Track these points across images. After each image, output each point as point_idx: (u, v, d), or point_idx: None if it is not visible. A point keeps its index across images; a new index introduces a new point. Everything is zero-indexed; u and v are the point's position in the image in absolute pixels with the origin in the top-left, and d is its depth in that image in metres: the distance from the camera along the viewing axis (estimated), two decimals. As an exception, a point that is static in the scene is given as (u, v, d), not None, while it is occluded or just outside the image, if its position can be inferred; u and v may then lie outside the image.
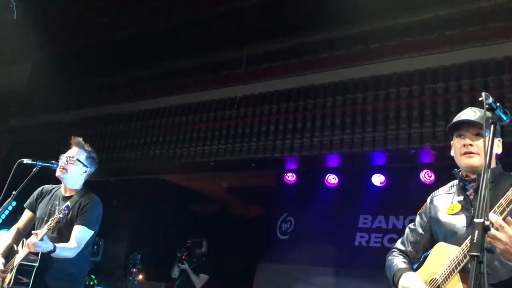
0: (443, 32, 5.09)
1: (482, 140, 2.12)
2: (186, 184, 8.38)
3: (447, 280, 1.96)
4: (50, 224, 2.93)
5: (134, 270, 6.49)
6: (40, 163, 3.33)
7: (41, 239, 2.92)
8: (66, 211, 2.95)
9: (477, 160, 2.13)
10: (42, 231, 2.95)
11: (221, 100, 6.55)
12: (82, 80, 8.00)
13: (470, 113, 2.19)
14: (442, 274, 2.00)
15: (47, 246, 2.97)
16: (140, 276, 7.22)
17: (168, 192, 8.05)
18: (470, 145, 2.14)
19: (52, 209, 3.42)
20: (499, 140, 2.21)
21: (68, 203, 3.08)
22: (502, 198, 1.80)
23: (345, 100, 5.54)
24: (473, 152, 2.14)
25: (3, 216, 3.08)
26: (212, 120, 6.49)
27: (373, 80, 5.44)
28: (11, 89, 8.62)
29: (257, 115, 6.15)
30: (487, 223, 1.52)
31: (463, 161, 2.18)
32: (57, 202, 3.45)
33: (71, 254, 3.18)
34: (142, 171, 7.46)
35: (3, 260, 3.31)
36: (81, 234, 3.22)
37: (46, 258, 3.14)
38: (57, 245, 3.06)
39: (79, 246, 3.20)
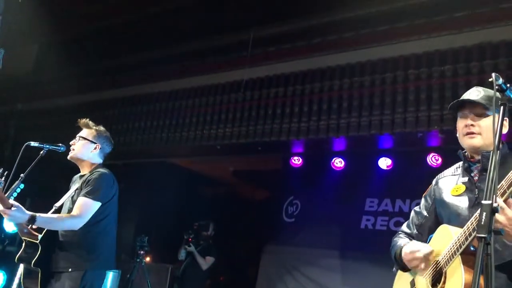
0: (452, 13, 5.01)
1: (484, 119, 2.10)
2: (192, 167, 8.42)
3: (449, 262, 1.96)
4: None
5: (142, 252, 6.54)
6: (47, 146, 3.33)
7: (8, 207, 2.79)
8: None
9: (479, 141, 2.10)
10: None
11: (227, 83, 6.53)
12: (89, 63, 7.99)
13: (474, 93, 2.16)
14: (444, 256, 2.00)
15: (22, 215, 2.85)
16: (148, 258, 7.30)
17: (175, 175, 8.08)
18: (472, 125, 2.11)
19: (71, 188, 3.43)
20: (505, 120, 2.13)
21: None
22: (504, 180, 1.78)
23: (352, 83, 5.50)
24: (475, 133, 2.10)
25: (12, 198, 3.09)
26: (218, 104, 6.48)
27: (381, 62, 5.38)
28: (18, 73, 8.61)
29: (263, 98, 6.12)
30: (495, 205, 1.51)
31: (465, 142, 2.15)
32: (75, 182, 3.45)
33: (72, 224, 3.07)
34: (149, 155, 7.49)
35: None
36: (82, 204, 3.10)
37: (51, 232, 3.08)
38: (43, 215, 2.97)
39: (81, 216, 3.08)
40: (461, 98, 2.20)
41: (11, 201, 2.87)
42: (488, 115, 2.09)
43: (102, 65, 7.97)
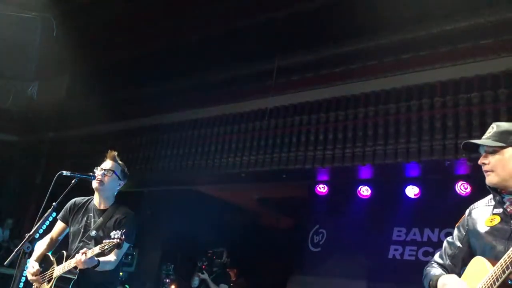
0: (477, 41, 4.99)
1: (496, 155, 2.12)
2: (217, 195, 8.44)
3: (484, 296, 1.91)
4: (104, 246, 3.00)
5: (167, 280, 6.55)
6: (79, 175, 3.37)
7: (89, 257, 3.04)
8: (123, 237, 2.99)
9: (493, 177, 2.13)
10: (94, 250, 3.04)
11: (252, 112, 6.60)
12: (118, 92, 8.21)
13: (488, 130, 2.21)
14: (480, 289, 1.95)
15: (93, 262, 3.08)
16: (173, 287, 7.29)
17: (200, 203, 8.12)
18: (484, 163, 2.16)
19: (88, 221, 3.48)
20: None
21: (124, 230, 3.13)
22: None
23: (377, 111, 5.48)
24: (488, 170, 2.15)
25: (44, 227, 3.16)
26: (243, 131, 6.54)
27: (406, 90, 5.37)
28: (50, 102, 8.93)
29: (288, 126, 6.15)
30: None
31: (486, 178, 2.19)
32: (91, 215, 3.50)
33: (111, 266, 3.28)
34: (175, 182, 7.56)
35: (38, 266, 3.40)
36: (120, 249, 3.27)
37: (84, 270, 3.18)
38: (101, 259, 3.14)
39: (118, 259, 3.30)
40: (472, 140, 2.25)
41: (83, 250, 3.07)
42: (500, 150, 2.12)
43: (129, 94, 8.17)
